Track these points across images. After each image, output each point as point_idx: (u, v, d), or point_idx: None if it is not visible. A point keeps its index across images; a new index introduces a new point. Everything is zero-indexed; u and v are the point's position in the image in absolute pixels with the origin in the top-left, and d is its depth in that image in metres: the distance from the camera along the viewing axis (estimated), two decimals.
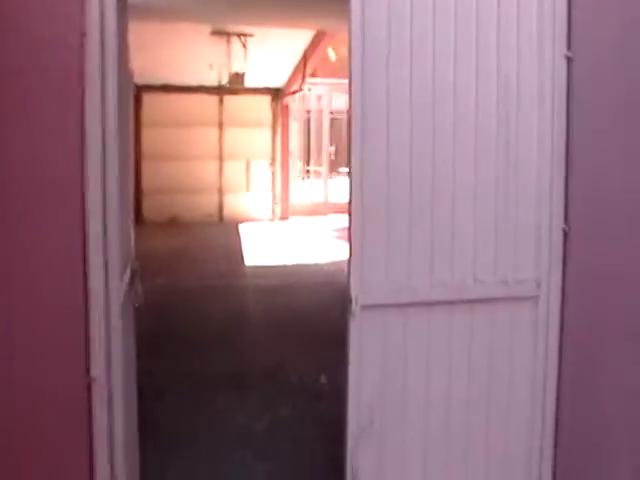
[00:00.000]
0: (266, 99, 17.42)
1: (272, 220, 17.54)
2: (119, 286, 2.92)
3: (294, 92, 16.44)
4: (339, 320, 8.41)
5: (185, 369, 6.34)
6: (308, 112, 19.50)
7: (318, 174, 19.49)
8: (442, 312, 3.18)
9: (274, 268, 11.52)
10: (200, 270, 11.05)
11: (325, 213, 18.53)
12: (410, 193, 3.10)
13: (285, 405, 5.66)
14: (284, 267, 11.60)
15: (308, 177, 20.12)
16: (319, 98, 19.04)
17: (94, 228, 2.82)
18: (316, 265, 11.84)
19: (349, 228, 3.10)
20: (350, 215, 3.08)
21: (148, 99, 16.46)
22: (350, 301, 3.11)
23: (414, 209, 3.10)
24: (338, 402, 6.08)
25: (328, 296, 9.50)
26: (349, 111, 3.03)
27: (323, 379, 6.35)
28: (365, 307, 3.14)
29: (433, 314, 3.18)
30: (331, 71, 18.56)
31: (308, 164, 20.37)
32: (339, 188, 19.58)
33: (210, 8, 9.59)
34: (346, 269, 3.20)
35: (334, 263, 11.96)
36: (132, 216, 3.95)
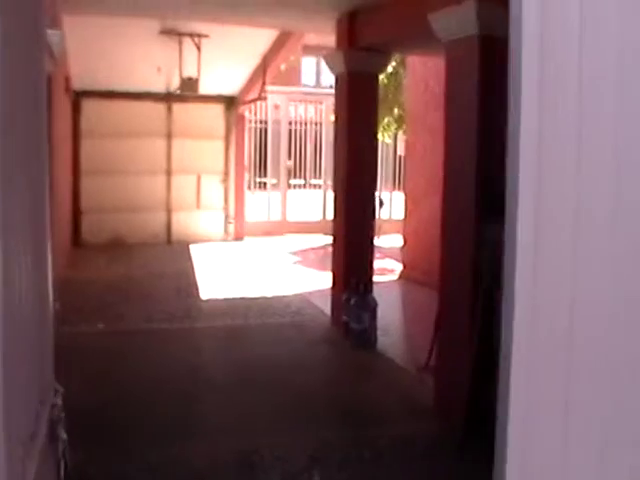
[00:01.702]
0: (219, 108, 15.85)
1: (225, 240, 16.00)
2: None
3: (252, 101, 14.96)
4: (316, 379, 7.04)
5: (123, 470, 4.78)
6: (260, 122, 17.97)
7: (269, 187, 17.96)
8: None
9: (233, 302, 10.02)
10: (148, 308, 9.47)
11: (282, 233, 17.13)
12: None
13: None
14: (244, 301, 10.11)
15: (262, 189, 18.51)
16: (276, 107, 17.60)
17: None
18: (279, 298, 10.38)
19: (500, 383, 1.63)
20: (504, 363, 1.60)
21: (88, 106, 14.76)
22: None
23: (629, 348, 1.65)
24: None
25: (299, 342, 8.10)
26: (508, 143, 1.60)
27: (316, 476, 4.92)
28: None
29: None
30: (280, 80, 17.15)
31: (260, 177, 18.79)
32: (296, 203, 18.23)
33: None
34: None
35: (298, 296, 10.58)
36: (51, 301, 2.44)
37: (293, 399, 6.19)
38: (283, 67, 17.82)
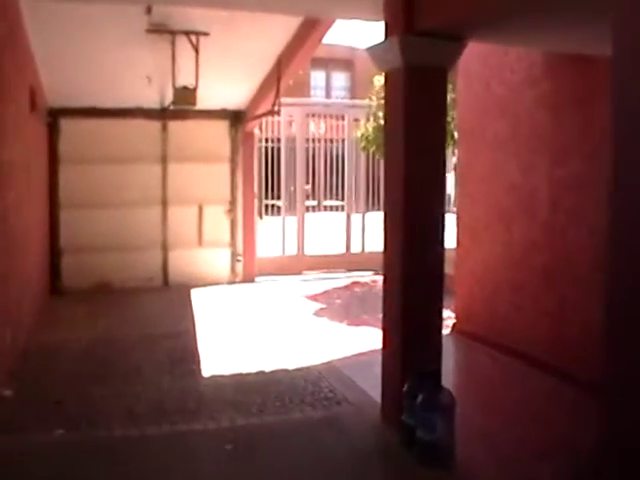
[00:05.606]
0: (223, 125, 13.40)
1: (233, 282, 13.49)
2: None
3: (263, 115, 12.49)
4: None
5: None
6: (271, 141, 15.51)
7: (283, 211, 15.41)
8: None
9: (244, 381, 7.49)
10: (130, 394, 6.96)
11: (299, 270, 14.65)
12: None
13: None
14: (259, 378, 7.62)
15: (273, 214, 16.10)
16: (290, 123, 15.12)
17: None
18: (304, 371, 7.86)
19: None
20: None
21: (67, 127, 12.37)
22: None
23: None
24: None
25: (341, 459, 5.54)
26: None
27: None
28: None
29: None
30: (289, 95, 14.73)
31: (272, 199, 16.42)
32: (312, 231, 15.79)
33: None
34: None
35: (327, 366, 8.09)
36: None
37: None
38: (290, 81, 15.45)
